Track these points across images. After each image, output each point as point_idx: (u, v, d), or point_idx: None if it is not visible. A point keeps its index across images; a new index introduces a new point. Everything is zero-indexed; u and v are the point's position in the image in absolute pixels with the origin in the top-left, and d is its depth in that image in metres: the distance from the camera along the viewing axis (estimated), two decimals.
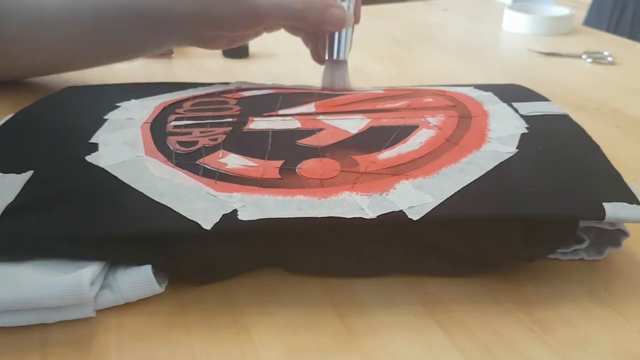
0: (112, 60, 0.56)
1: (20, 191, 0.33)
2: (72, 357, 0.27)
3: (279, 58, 0.70)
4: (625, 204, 0.30)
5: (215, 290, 0.31)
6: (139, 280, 0.29)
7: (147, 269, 0.29)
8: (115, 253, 0.30)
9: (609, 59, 0.70)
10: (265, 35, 0.53)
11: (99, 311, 0.29)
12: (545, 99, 0.45)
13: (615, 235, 0.32)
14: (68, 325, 0.29)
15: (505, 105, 0.43)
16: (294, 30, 0.54)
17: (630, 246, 0.34)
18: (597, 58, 0.70)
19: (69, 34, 0.51)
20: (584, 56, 0.70)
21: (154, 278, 0.29)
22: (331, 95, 0.46)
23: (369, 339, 0.28)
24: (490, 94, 0.46)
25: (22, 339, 0.28)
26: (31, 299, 0.27)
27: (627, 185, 0.32)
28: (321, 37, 0.51)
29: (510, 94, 0.46)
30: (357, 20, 0.51)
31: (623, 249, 0.32)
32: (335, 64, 0.50)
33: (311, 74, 0.53)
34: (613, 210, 0.30)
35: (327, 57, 0.51)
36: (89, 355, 0.27)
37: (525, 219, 0.31)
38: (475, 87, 0.48)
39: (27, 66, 0.56)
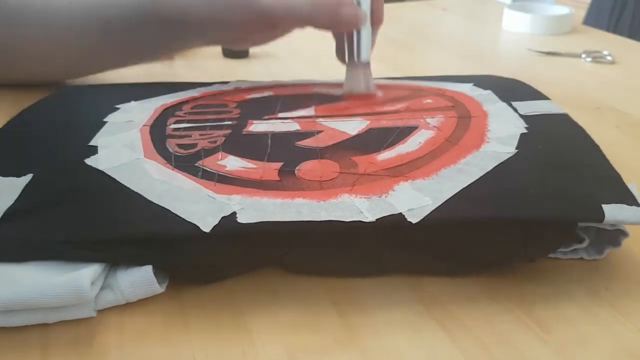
0: (117, 66, 0.56)
1: (20, 194, 0.33)
2: (73, 357, 0.27)
3: (279, 58, 0.70)
4: (625, 205, 0.30)
5: (215, 289, 0.31)
6: (139, 280, 0.29)
7: (148, 269, 0.29)
8: (115, 254, 0.30)
9: (609, 58, 0.70)
10: None
11: (99, 311, 0.29)
12: (544, 97, 0.45)
13: (615, 235, 0.32)
14: (68, 325, 0.29)
15: (504, 104, 0.43)
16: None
17: (630, 246, 0.34)
18: (596, 57, 0.70)
19: (73, 40, 0.51)
20: (583, 55, 0.70)
21: (154, 278, 0.29)
22: (331, 100, 0.46)
23: (369, 338, 0.28)
24: (489, 92, 0.46)
25: (22, 338, 0.28)
26: (31, 299, 0.27)
27: (626, 186, 0.32)
28: (339, 37, 0.49)
29: (510, 92, 0.46)
30: (378, 20, 0.49)
31: (623, 248, 0.32)
32: (356, 67, 0.48)
33: (311, 74, 0.53)
34: (612, 212, 0.30)
35: (347, 60, 0.48)
36: (89, 354, 0.27)
37: (524, 221, 0.31)
38: (474, 85, 0.48)
39: (27, 69, 0.55)
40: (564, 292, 0.31)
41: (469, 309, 0.30)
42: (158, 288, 0.30)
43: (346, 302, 0.30)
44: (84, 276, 0.28)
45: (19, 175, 0.34)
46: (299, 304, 0.30)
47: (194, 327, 0.29)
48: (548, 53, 0.72)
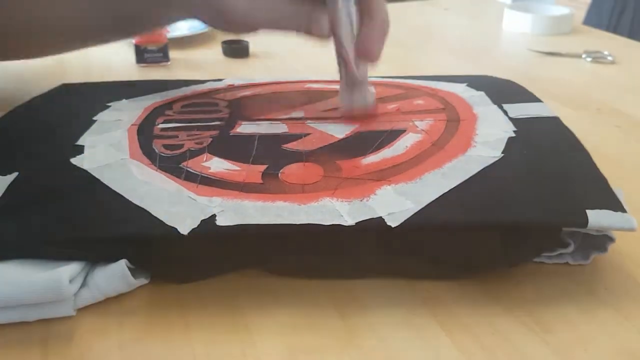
0: (105, 40, 0.53)
1: (4, 193, 0.33)
2: (73, 356, 0.27)
3: (279, 58, 0.70)
4: (610, 211, 0.30)
5: (216, 290, 0.31)
6: (113, 274, 0.29)
7: (122, 263, 0.29)
8: (94, 253, 0.29)
9: (609, 58, 0.70)
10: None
11: None
12: (537, 100, 0.45)
13: (602, 241, 0.31)
14: (69, 324, 0.29)
15: (495, 107, 0.43)
16: None
17: (630, 246, 0.34)
18: (597, 57, 0.70)
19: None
20: (584, 55, 0.70)
21: (128, 271, 0.29)
22: (321, 98, 0.46)
23: (369, 339, 0.28)
24: (482, 93, 0.45)
25: (23, 336, 0.28)
26: (10, 296, 0.27)
27: (612, 192, 0.32)
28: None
29: (503, 93, 0.46)
30: (367, 55, 0.43)
31: (623, 249, 0.32)
32: (350, 85, 0.43)
33: (311, 74, 0.53)
34: (596, 217, 0.29)
35: (340, 79, 0.44)
36: (89, 354, 0.27)
37: (504, 226, 0.30)
38: (468, 85, 0.47)
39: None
40: (564, 292, 0.31)
41: (470, 309, 0.30)
42: (133, 281, 0.29)
43: (346, 303, 0.30)
44: (63, 273, 0.28)
45: (4, 174, 0.34)
46: (300, 304, 0.30)
47: (194, 327, 0.29)
48: (548, 53, 0.72)
